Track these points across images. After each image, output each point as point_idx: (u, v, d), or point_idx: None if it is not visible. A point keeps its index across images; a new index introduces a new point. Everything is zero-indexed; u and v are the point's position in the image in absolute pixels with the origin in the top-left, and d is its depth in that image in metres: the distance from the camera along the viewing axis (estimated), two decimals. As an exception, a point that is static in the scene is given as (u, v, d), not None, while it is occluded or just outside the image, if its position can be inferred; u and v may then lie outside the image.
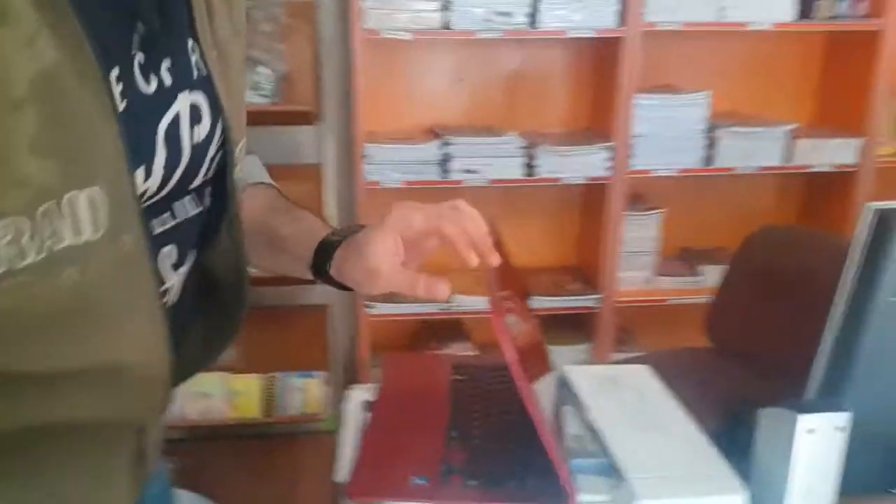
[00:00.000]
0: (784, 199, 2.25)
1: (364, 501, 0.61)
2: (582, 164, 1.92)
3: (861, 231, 0.60)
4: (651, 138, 1.93)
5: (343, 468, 0.67)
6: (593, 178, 1.93)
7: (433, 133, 1.98)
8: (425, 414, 0.74)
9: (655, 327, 2.19)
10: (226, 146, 0.59)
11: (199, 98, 0.56)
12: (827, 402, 0.57)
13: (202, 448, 1.68)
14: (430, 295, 0.59)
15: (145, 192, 0.50)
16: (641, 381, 0.78)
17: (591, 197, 2.11)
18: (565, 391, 0.78)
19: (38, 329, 0.44)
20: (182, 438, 1.83)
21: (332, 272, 0.65)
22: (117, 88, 0.46)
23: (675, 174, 1.96)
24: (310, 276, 0.67)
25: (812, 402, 0.59)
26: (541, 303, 1.96)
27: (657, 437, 0.66)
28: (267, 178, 0.79)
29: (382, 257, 0.60)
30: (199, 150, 0.56)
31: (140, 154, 0.48)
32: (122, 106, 0.46)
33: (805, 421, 0.54)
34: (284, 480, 1.80)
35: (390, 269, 0.60)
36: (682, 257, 2.21)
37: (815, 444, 0.55)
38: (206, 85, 0.57)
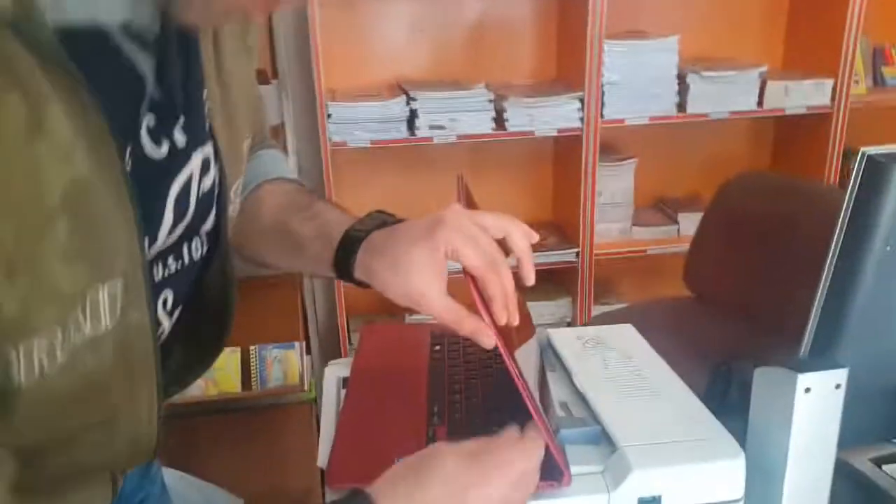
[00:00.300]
0: (758, 144, 2.24)
1: (345, 487, 0.58)
2: (553, 116, 1.87)
3: (853, 177, 0.57)
4: (621, 86, 1.89)
5: (325, 452, 0.64)
6: (565, 130, 1.89)
7: (396, 88, 1.91)
8: (404, 388, 0.71)
9: (636, 278, 2.19)
10: (221, 186, 0.57)
11: (209, 148, 0.54)
12: (823, 359, 0.55)
13: (184, 426, 1.65)
14: (473, 338, 0.56)
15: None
16: (627, 341, 0.75)
17: (563, 149, 2.07)
18: (549, 355, 0.76)
19: (47, 410, 0.44)
20: (163, 417, 1.79)
21: (359, 275, 0.60)
22: (128, 165, 0.45)
23: (646, 122, 1.93)
24: (332, 275, 0.63)
25: (808, 359, 0.57)
26: (518, 260, 1.94)
27: (648, 401, 0.64)
28: (287, 173, 0.74)
29: (429, 284, 0.56)
30: (205, 197, 0.54)
31: (146, 221, 0.46)
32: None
33: (803, 380, 0.52)
34: (269, 453, 1.78)
35: (439, 299, 0.56)
36: (658, 207, 2.20)
37: (813, 402, 0.53)
38: (211, 131, 0.55)
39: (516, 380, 0.55)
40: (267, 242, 0.69)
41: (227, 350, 1.90)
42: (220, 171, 0.57)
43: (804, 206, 1.28)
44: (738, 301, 1.38)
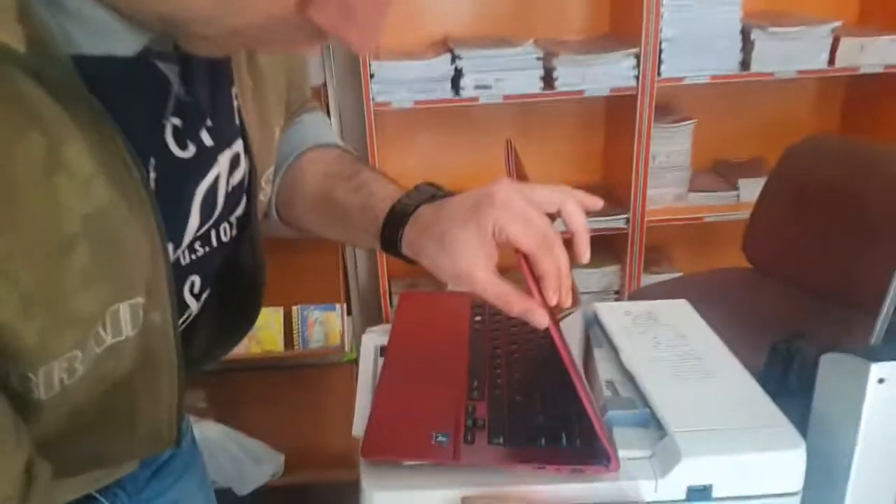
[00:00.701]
0: (827, 105, 2.10)
1: (379, 461, 0.56)
2: (605, 74, 1.78)
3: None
4: (680, 42, 1.79)
5: (360, 421, 0.62)
6: (618, 89, 1.80)
7: (441, 46, 1.85)
8: (442, 361, 0.69)
9: (690, 247, 2.12)
10: (251, 176, 0.56)
11: (238, 145, 0.53)
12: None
13: (228, 381, 1.69)
14: (524, 319, 0.53)
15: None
16: (681, 318, 0.71)
17: (616, 109, 1.99)
18: (596, 332, 0.72)
19: (67, 410, 0.44)
20: (208, 372, 1.83)
21: (407, 251, 0.58)
22: (152, 176, 0.44)
23: (707, 81, 1.83)
24: (379, 248, 0.61)
25: (883, 347, 0.52)
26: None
27: (701, 383, 0.60)
28: (331, 138, 0.72)
29: (477, 265, 0.54)
30: (235, 190, 0.54)
31: (170, 227, 0.45)
32: (152, 184, 0.44)
33: (876, 370, 0.47)
34: (310, 411, 1.82)
35: (487, 280, 0.54)
36: (716, 171, 2.10)
37: (887, 394, 0.48)
38: (242, 128, 0.54)
39: (565, 358, 0.52)
40: (312, 213, 0.67)
41: (270, 309, 1.92)
42: (250, 161, 0.56)
43: (878, 173, 1.19)
44: (801, 274, 1.30)
